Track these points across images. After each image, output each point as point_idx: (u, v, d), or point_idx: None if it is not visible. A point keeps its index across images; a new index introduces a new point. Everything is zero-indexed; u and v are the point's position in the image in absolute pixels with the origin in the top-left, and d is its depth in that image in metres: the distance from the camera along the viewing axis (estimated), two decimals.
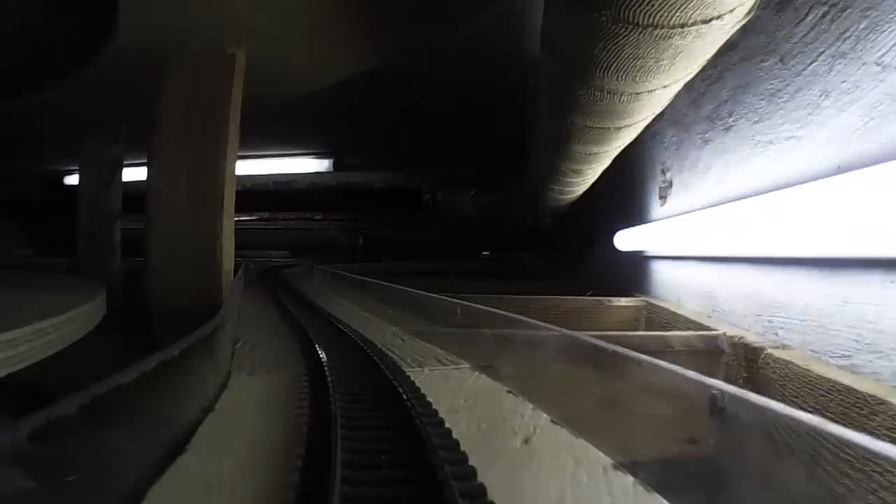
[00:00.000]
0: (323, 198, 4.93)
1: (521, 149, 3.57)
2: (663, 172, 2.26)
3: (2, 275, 2.56)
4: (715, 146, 1.79)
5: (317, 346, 1.01)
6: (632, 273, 2.56)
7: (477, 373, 0.94)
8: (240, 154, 4.38)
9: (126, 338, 1.98)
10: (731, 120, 1.72)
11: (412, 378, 0.83)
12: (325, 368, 0.85)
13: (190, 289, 1.87)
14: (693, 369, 1.47)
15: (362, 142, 4.59)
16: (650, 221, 2.30)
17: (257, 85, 2.23)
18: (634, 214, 2.48)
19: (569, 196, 2.92)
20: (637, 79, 1.34)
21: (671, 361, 1.53)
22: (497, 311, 1.11)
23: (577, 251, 3.85)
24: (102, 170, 2.85)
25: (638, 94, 1.43)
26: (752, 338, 1.43)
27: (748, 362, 1.43)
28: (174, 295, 1.91)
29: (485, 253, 5.26)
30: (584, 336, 0.86)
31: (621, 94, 1.45)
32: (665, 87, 1.42)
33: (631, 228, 2.45)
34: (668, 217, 2.08)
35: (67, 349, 1.48)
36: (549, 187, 2.82)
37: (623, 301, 2.23)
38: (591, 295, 2.39)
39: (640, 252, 2.47)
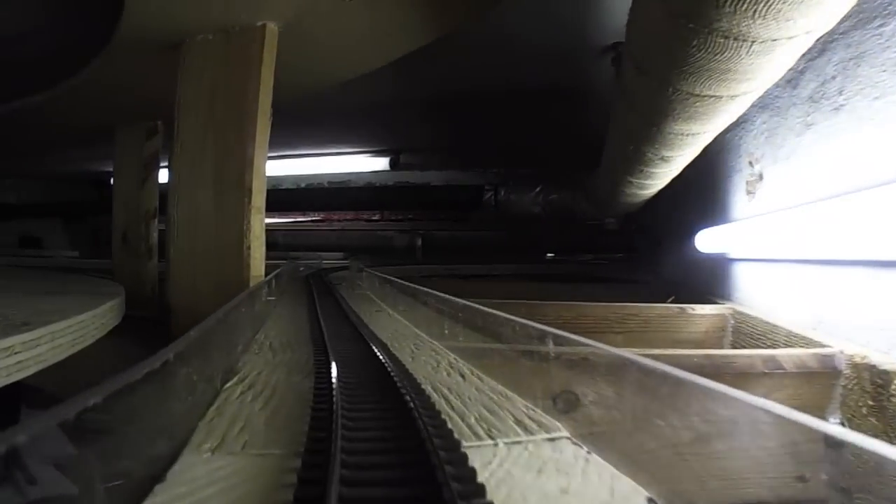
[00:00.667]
0: (379, 197, 4.66)
1: (590, 143, 3.13)
2: (751, 164, 2.02)
3: (23, 277, 2.31)
4: (821, 130, 1.55)
5: (338, 391, 0.65)
6: (711, 277, 2.37)
7: (585, 451, 0.56)
8: (293, 153, 4.18)
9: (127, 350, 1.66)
10: (842, 98, 1.46)
11: (478, 467, 0.46)
12: (337, 445, 0.50)
13: (212, 295, 1.56)
14: (805, 393, 1.27)
15: (420, 139, 4.26)
16: (734, 220, 2.11)
17: (296, 63, 1.92)
18: (715, 212, 2.28)
19: (647, 191, 2.56)
20: (780, 15, 0.96)
21: (778, 383, 1.29)
22: (601, 346, 0.72)
23: (649, 253, 3.69)
24: (137, 167, 2.58)
25: (774, 41, 1.04)
26: (877, 357, 1.18)
27: (876, 388, 1.17)
28: (194, 301, 1.60)
29: (549, 255, 4.90)
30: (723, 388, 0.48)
31: (752, 43, 1.05)
32: (808, 33, 1.04)
33: (711, 228, 2.26)
34: (758, 215, 1.89)
35: None
36: (628, 181, 2.43)
37: (707, 309, 2.00)
38: (672, 302, 2.15)
39: (722, 254, 2.25)
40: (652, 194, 2.57)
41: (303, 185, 4.79)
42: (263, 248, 1.64)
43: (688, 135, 1.66)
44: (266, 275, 1.79)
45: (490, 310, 0.96)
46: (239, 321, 1.10)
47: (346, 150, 4.48)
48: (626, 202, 2.86)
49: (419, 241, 5.07)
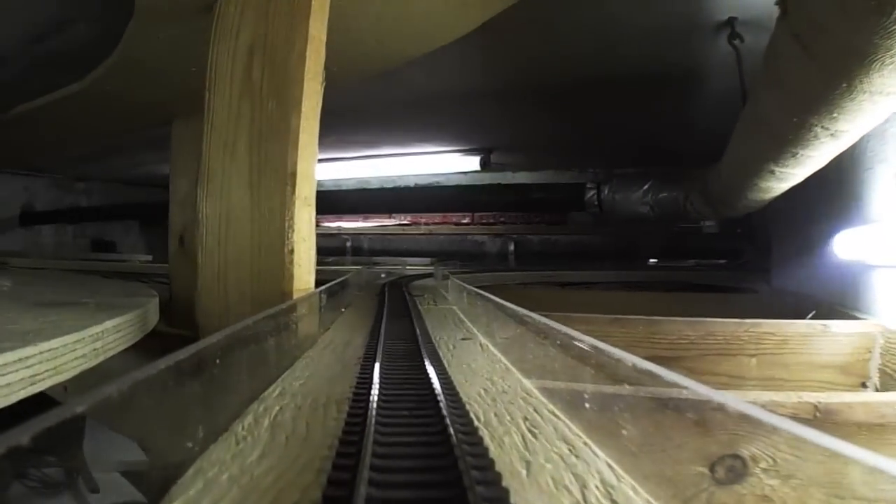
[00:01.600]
0: (471, 197, 4.24)
1: (703, 134, 2.86)
2: None
3: (53, 283, 1.99)
4: None
5: None
6: (843, 287, 2.00)
7: None
8: (378, 154, 3.81)
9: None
10: None
11: None
12: None
13: (247, 314, 1.15)
14: None
15: (513, 136, 3.80)
16: (874, 220, 1.77)
17: (357, 26, 1.51)
18: (849, 211, 1.92)
19: (786, 183, 2.08)
20: None
21: None
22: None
23: (757, 258, 3.38)
24: (194, 163, 2.21)
25: None
26: None
27: None
28: (225, 322, 1.19)
29: (652, 260, 4.49)
30: None
31: None
32: None
33: (845, 230, 1.91)
34: None
35: None
36: (769, 170, 1.90)
37: (851, 326, 1.64)
38: (812, 317, 1.81)
39: (857, 260, 1.89)
40: (787, 188, 2.09)
41: (390, 186, 4.43)
42: (314, 253, 1.20)
43: (887, 94, 1.13)
44: (332, 284, 1.37)
45: (641, 360, 0.49)
46: (242, 363, 0.66)
47: (433, 150, 4.09)
48: (754, 199, 2.34)
49: (512, 246, 4.74)
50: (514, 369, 0.80)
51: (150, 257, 4.00)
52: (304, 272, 1.14)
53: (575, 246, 4.66)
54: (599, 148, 4.00)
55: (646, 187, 3.31)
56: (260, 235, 1.15)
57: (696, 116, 3.11)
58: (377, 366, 0.76)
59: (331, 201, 4.22)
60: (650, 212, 3.32)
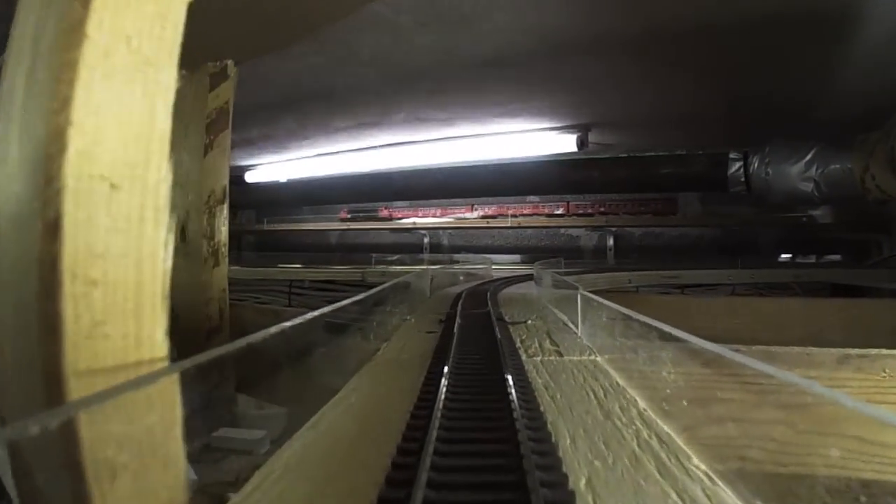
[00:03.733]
0: (563, 187, 3.46)
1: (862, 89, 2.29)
2: None
3: None
4: None
5: None
6: None
7: None
8: (453, 135, 2.97)
9: None
10: None
11: None
12: None
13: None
14: None
15: (616, 107, 2.92)
16: None
17: None
18: None
19: None
20: None
21: None
22: None
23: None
24: (198, 129, 1.53)
25: None
26: None
27: None
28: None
29: (784, 256, 3.77)
30: None
31: None
32: None
33: None
34: None
35: None
36: None
37: None
38: None
39: None
40: None
41: (468, 168, 3.68)
42: (163, 253, 0.38)
43: None
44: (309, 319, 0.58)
45: None
46: None
47: (519, 129, 3.23)
48: None
49: (611, 241, 4.00)
50: None
51: None
52: (116, 307, 0.33)
53: (682, 239, 3.98)
54: (726, 123, 3.03)
55: (808, 158, 2.35)
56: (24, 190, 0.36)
57: (860, 66, 2.20)
58: None
59: (405, 187, 3.56)
60: (815, 190, 2.36)
